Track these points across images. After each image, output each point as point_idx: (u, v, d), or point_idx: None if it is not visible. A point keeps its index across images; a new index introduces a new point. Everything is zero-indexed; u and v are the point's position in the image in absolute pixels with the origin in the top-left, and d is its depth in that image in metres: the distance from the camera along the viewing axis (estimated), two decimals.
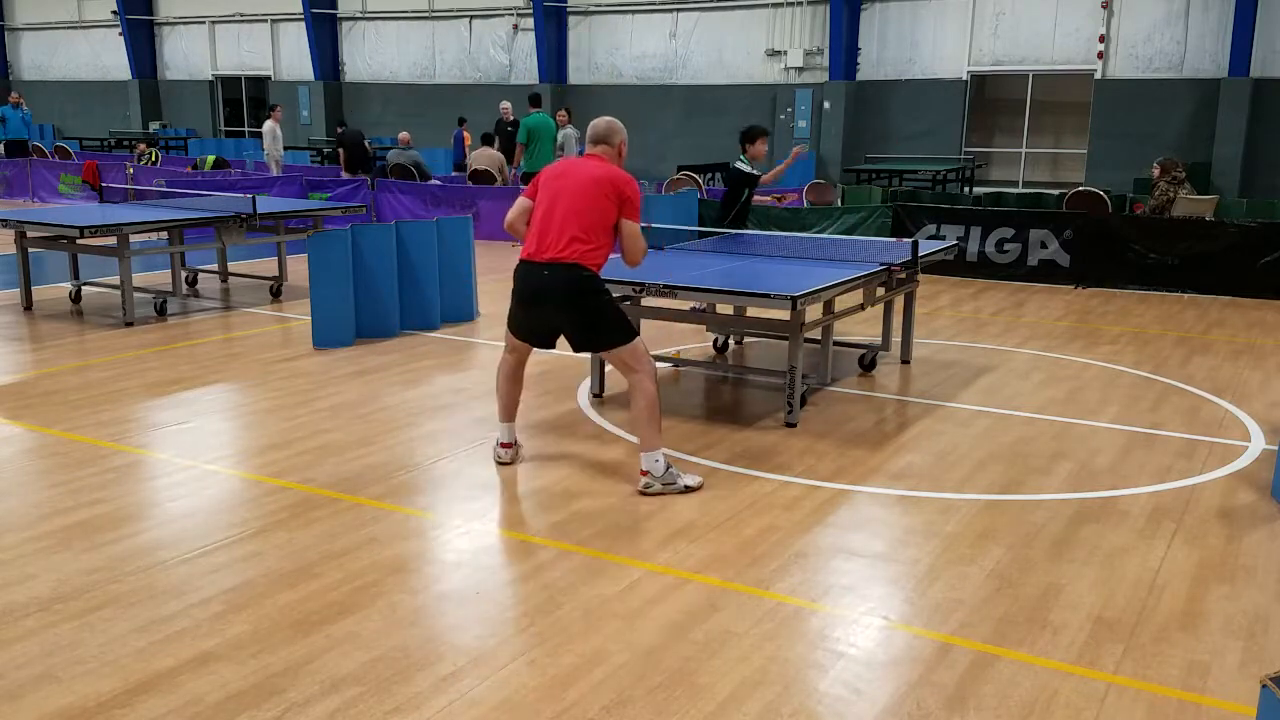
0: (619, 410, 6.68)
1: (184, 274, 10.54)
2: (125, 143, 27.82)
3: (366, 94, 29.05)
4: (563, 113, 16.42)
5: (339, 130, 19.25)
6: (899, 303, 8.03)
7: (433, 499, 5.14)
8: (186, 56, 32.52)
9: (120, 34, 32.39)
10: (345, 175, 17.71)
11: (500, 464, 5.59)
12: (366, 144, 19.13)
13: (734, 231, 8.96)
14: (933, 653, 3.72)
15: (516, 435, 5.72)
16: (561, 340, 5.44)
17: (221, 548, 4.51)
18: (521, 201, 5.42)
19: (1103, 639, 3.83)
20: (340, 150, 18.42)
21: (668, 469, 5.23)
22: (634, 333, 5.32)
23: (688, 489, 5.23)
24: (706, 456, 5.79)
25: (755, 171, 9.21)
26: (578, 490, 5.26)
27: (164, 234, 10.33)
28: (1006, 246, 12.11)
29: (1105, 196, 14.21)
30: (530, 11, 26.05)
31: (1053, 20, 21.31)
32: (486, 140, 17.56)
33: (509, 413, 5.63)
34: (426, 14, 28.21)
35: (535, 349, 5.58)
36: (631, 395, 5.27)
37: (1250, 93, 19.40)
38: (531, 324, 5.39)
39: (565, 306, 5.22)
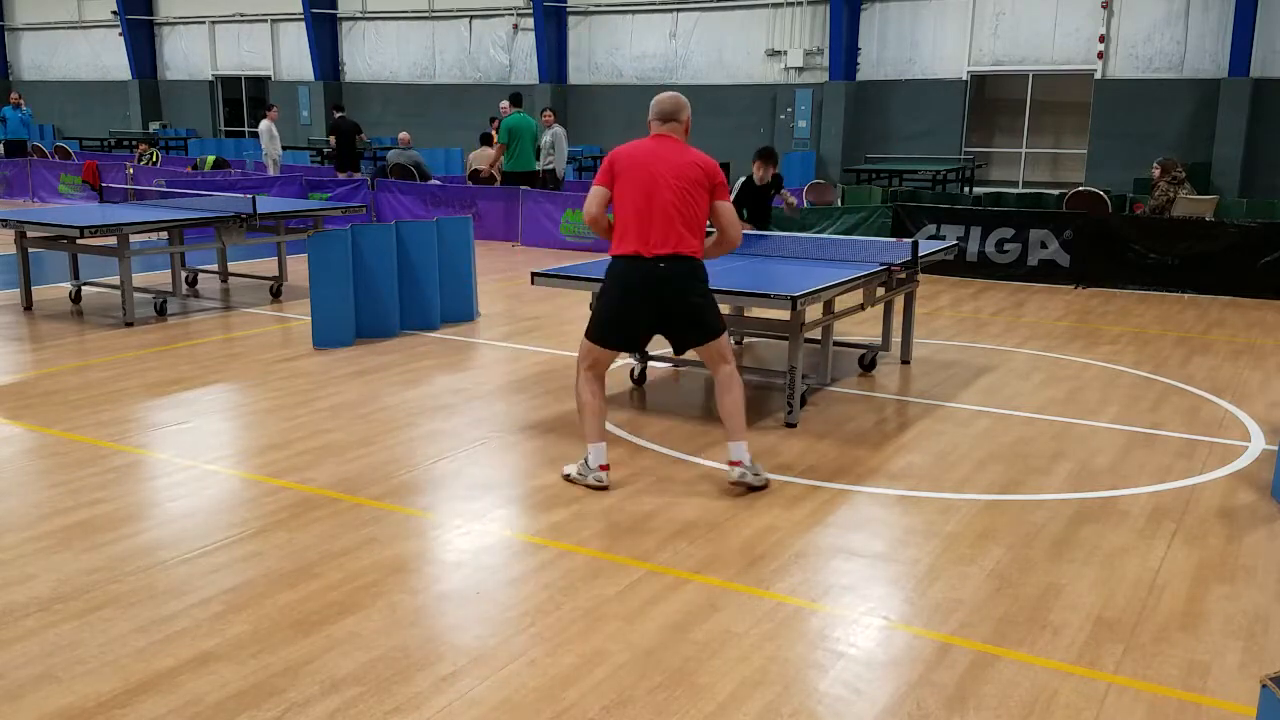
0: (619, 410, 6.68)
1: (184, 274, 10.54)
2: (125, 143, 27.82)
3: (366, 94, 29.05)
4: (548, 113, 16.43)
5: (336, 114, 19.15)
6: (899, 303, 8.03)
7: (433, 499, 5.14)
8: (186, 56, 32.52)
9: (120, 34, 32.38)
10: (339, 174, 17.72)
11: (603, 488, 5.25)
12: (360, 138, 19.09)
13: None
14: (933, 653, 3.72)
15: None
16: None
17: (221, 548, 4.51)
18: (599, 191, 5.24)
19: (1103, 639, 3.83)
20: (332, 138, 18.38)
21: (752, 461, 5.26)
22: (725, 325, 5.36)
23: (766, 484, 5.29)
24: (706, 456, 5.79)
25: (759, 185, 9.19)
26: (578, 490, 5.26)
27: (164, 234, 10.33)
28: (1006, 246, 12.11)
29: (1105, 196, 14.22)
30: (530, 11, 26.04)
31: (1053, 20, 21.30)
32: (485, 140, 17.57)
33: (600, 432, 5.35)
34: (426, 14, 28.21)
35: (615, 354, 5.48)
36: (728, 386, 5.26)
37: (1250, 93, 19.40)
38: (635, 322, 5.28)
39: (683, 300, 5.18)
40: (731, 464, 5.23)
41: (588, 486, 5.28)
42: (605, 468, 5.30)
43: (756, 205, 9.35)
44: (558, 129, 15.98)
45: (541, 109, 16.94)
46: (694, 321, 5.23)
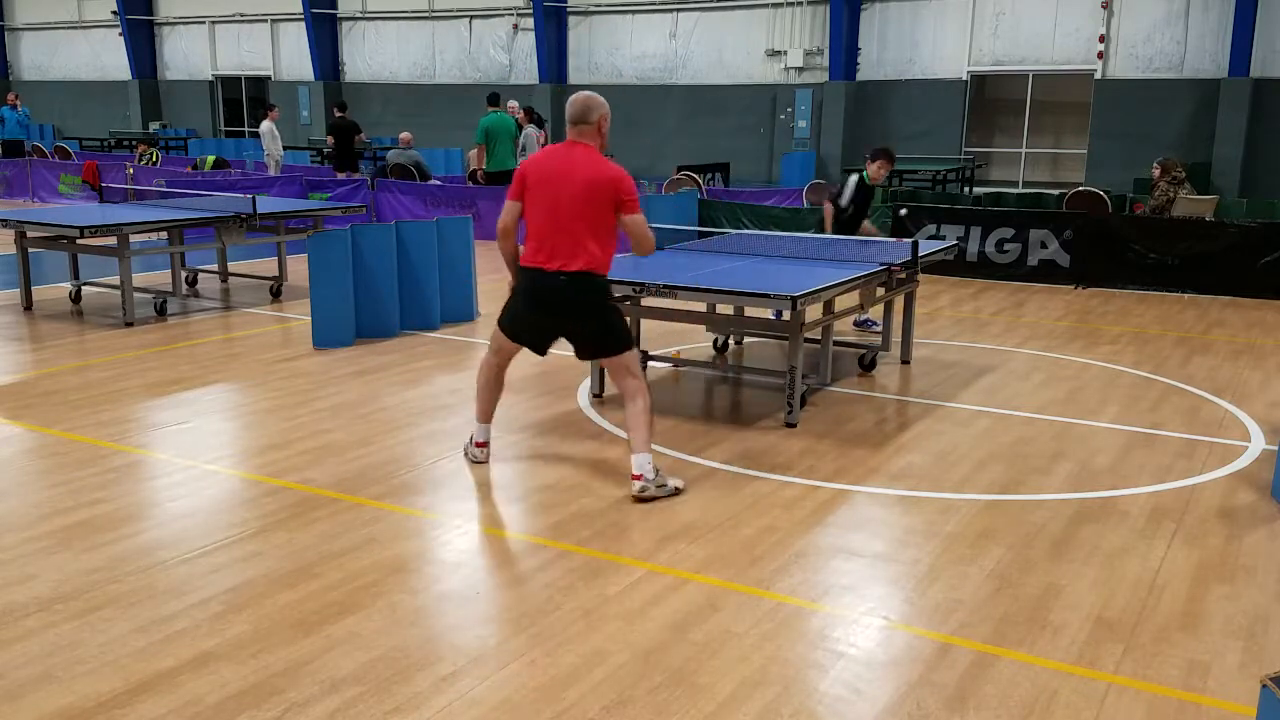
0: (619, 410, 6.67)
1: (184, 274, 10.54)
2: (125, 143, 27.81)
3: (366, 94, 29.06)
4: (521, 112, 16.53)
5: (336, 114, 19.16)
6: (899, 303, 8.03)
7: (433, 499, 5.14)
8: (186, 56, 32.53)
9: (120, 34, 32.40)
10: (338, 174, 17.72)
11: (475, 463, 5.60)
12: (360, 138, 19.06)
13: (734, 232, 8.93)
14: (933, 653, 3.72)
15: (492, 435, 5.75)
16: (559, 343, 5.45)
17: (221, 548, 4.51)
18: (509, 205, 5.27)
19: (1103, 639, 3.83)
20: (330, 138, 18.38)
21: (658, 472, 5.22)
22: (634, 340, 5.38)
23: (677, 490, 5.23)
24: (706, 456, 5.80)
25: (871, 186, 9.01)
26: (578, 490, 5.26)
27: (164, 234, 10.33)
28: (1006, 246, 12.11)
29: (1105, 196, 14.22)
30: (530, 11, 26.05)
31: (1053, 20, 21.31)
32: None
33: (488, 413, 5.65)
34: (426, 14, 28.23)
35: (519, 348, 5.53)
36: (630, 400, 5.23)
37: (1250, 93, 19.41)
38: (538, 330, 5.38)
39: (581, 316, 5.23)
40: (633, 478, 5.18)
41: (473, 461, 5.63)
42: (482, 445, 5.62)
43: (861, 207, 9.05)
44: (529, 130, 16.15)
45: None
46: (596, 335, 5.28)
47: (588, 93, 5.26)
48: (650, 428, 5.22)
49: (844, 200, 8.97)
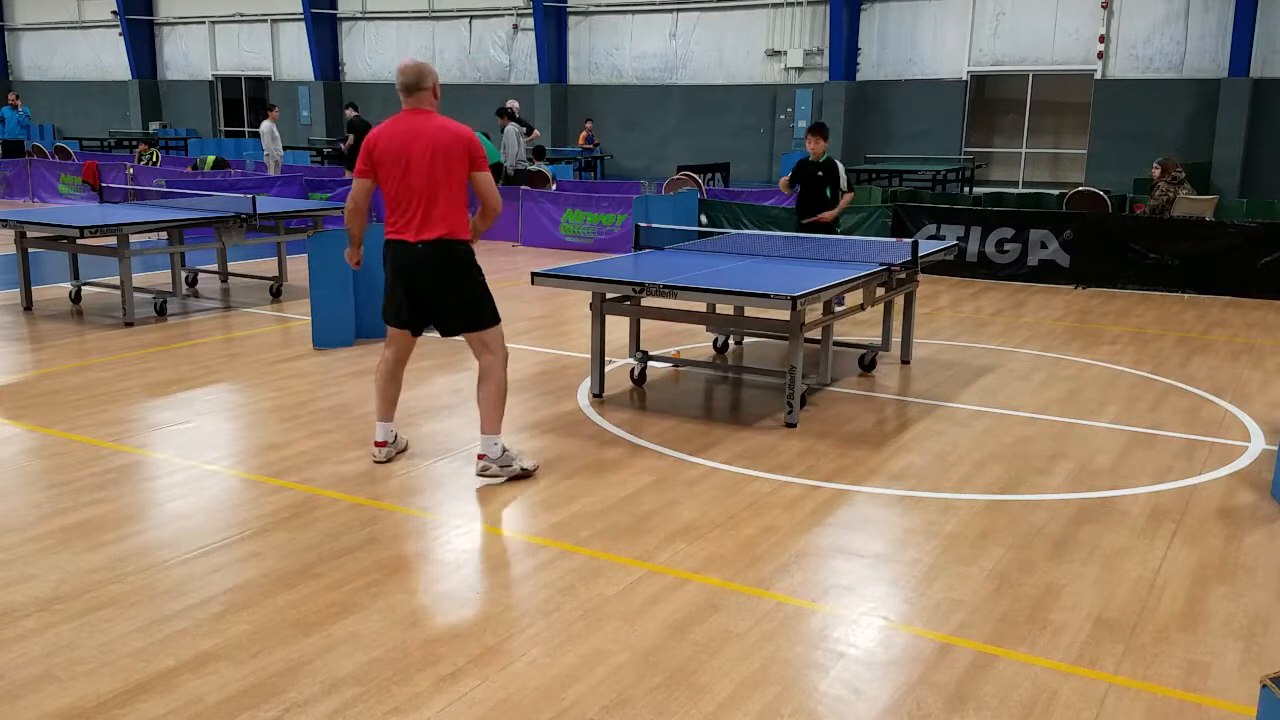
0: (619, 410, 6.68)
1: (184, 274, 10.54)
2: (125, 143, 27.82)
3: (366, 94, 29.05)
4: (513, 102, 16.74)
5: (352, 113, 19.25)
6: (899, 303, 8.04)
7: (433, 499, 5.14)
8: (186, 56, 32.53)
9: (120, 34, 32.40)
10: (348, 175, 17.76)
11: (377, 463, 5.54)
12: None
13: (734, 232, 8.94)
14: (933, 653, 3.72)
15: (396, 433, 5.67)
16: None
17: (221, 548, 4.51)
18: (359, 183, 5.20)
19: (1103, 639, 3.83)
20: (351, 136, 18.51)
21: (504, 452, 5.29)
22: (499, 316, 5.31)
23: (524, 471, 5.31)
24: (706, 456, 5.80)
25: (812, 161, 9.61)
26: (578, 490, 5.26)
27: (164, 234, 10.33)
28: (1006, 246, 12.11)
29: (1105, 197, 14.22)
30: (530, 11, 26.05)
31: (1053, 20, 21.31)
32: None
33: (387, 410, 5.55)
34: (426, 14, 28.23)
35: (414, 339, 5.46)
36: (484, 377, 5.25)
37: (1250, 93, 19.41)
38: (411, 306, 5.24)
39: (439, 284, 5.15)
40: (478, 457, 5.28)
41: (375, 461, 5.57)
42: (382, 444, 5.54)
43: (808, 184, 9.65)
44: (512, 127, 16.45)
45: (496, 110, 17.15)
46: (461, 305, 5.20)
47: (414, 60, 5.20)
48: (501, 408, 5.26)
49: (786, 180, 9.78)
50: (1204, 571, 4.43)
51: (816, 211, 9.58)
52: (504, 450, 5.30)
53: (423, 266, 5.11)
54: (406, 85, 5.13)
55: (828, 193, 9.58)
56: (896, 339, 8.11)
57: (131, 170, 17.42)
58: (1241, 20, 19.12)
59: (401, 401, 6.78)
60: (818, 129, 9.57)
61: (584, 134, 24.72)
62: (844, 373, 7.71)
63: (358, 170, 5.19)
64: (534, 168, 16.59)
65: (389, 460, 5.56)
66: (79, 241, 8.92)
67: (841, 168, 9.65)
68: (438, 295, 5.18)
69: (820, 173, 9.56)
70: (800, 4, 23.58)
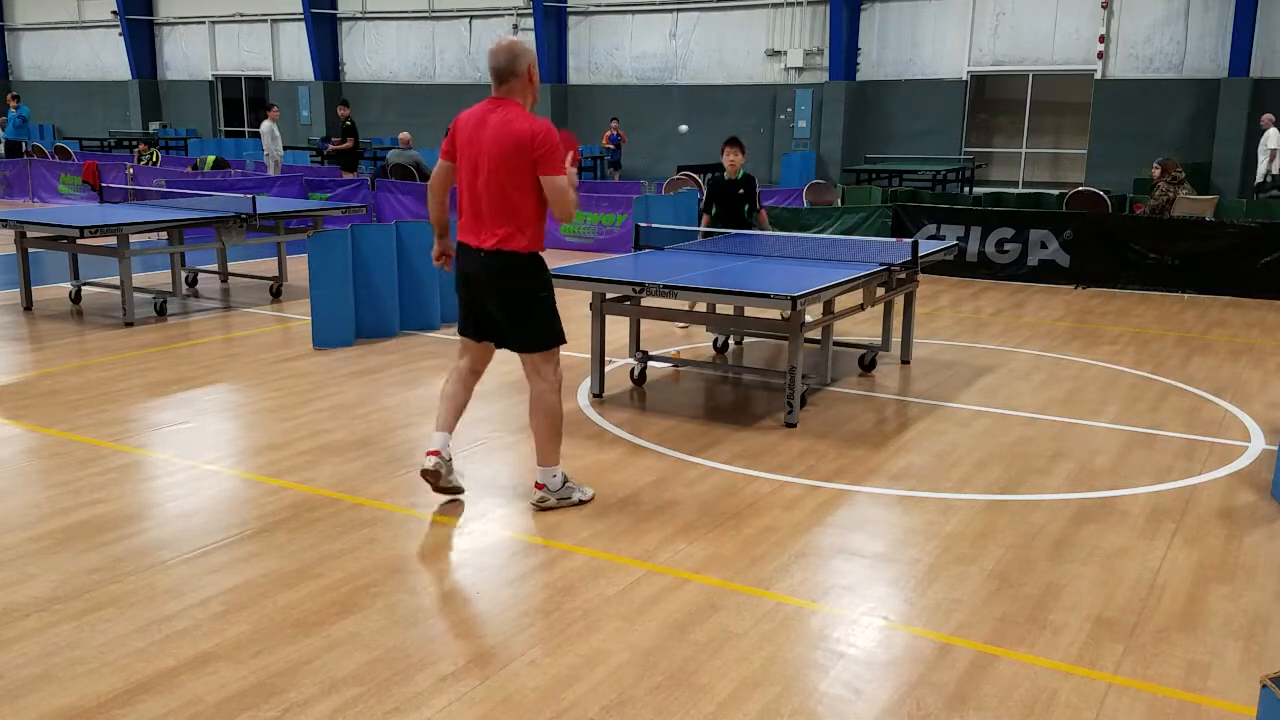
0: (619, 410, 6.68)
1: (184, 274, 10.54)
2: (125, 143, 27.82)
3: (366, 94, 29.06)
4: None
5: (348, 114, 19.28)
6: (899, 303, 8.04)
7: (433, 499, 5.13)
8: (186, 56, 32.53)
9: (120, 34, 32.40)
10: (348, 175, 17.79)
11: (424, 471, 4.91)
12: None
13: (736, 232, 8.92)
14: (933, 653, 3.72)
15: (451, 452, 5.07)
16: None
17: (221, 548, 4.51)
18: (440, 165, 4.82)
19: (1103, 639, 3.83)
20: (351, 139, 18.55)
21: (565, 483, 5.00)
22: (563, 338, 4.88)
23: (582, 502, 5.02)
24: (706, 456, 5.80)
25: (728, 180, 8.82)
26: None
27: (164, 234, 10.33)
28: (1006, 246, 12.11)
29: (1105, 197, 14.22)
30: (530, 11, 26.05)
31: (1053, 20, 21.31)
32: None
33: (448, 418, 5.00)
34: (426, 14, 28.23)
35: (491, 348, 5.04)
36: (534, 406, 4.87)
37: (1250, 93, 19.41)
38: (471, 312, 4.91)
39: (498, 297, 4.74)
40: (536, 486, 4.99)
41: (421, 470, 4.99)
42: (432, 453, 4.92)
43: (725, 204, 8.78)
44: None
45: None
46: (507, 322, 4.78)
47: (509, 40, 4.65)
48: (557, 438, 4.91)
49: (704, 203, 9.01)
50: (1204, 571, 4.43)
51: None
52: (564, 481, 4.99)
53: (482, 275, 4.72)
54: (497, 70, 4.59)
55: (745, 211, 8.76)
56: (896, 339, 8.11)
57: (131, 170, 17.42)
58: (1241, 20, 19.13)
59: (401, 401, 6.80)
60: (734, 141, 8.66)
61: (608, 133, 24.47)
62: (844, 373, 7.71)
63: (443, 150, 4.79)
64: None
65: (435, 472, 4.88)
66: (79, 241, 8.93)
67: (756, 184, 8.89)
68: (494, 306, 4.77)
69: (741, 190, 8.71)
70: (800, 4, 23.58)
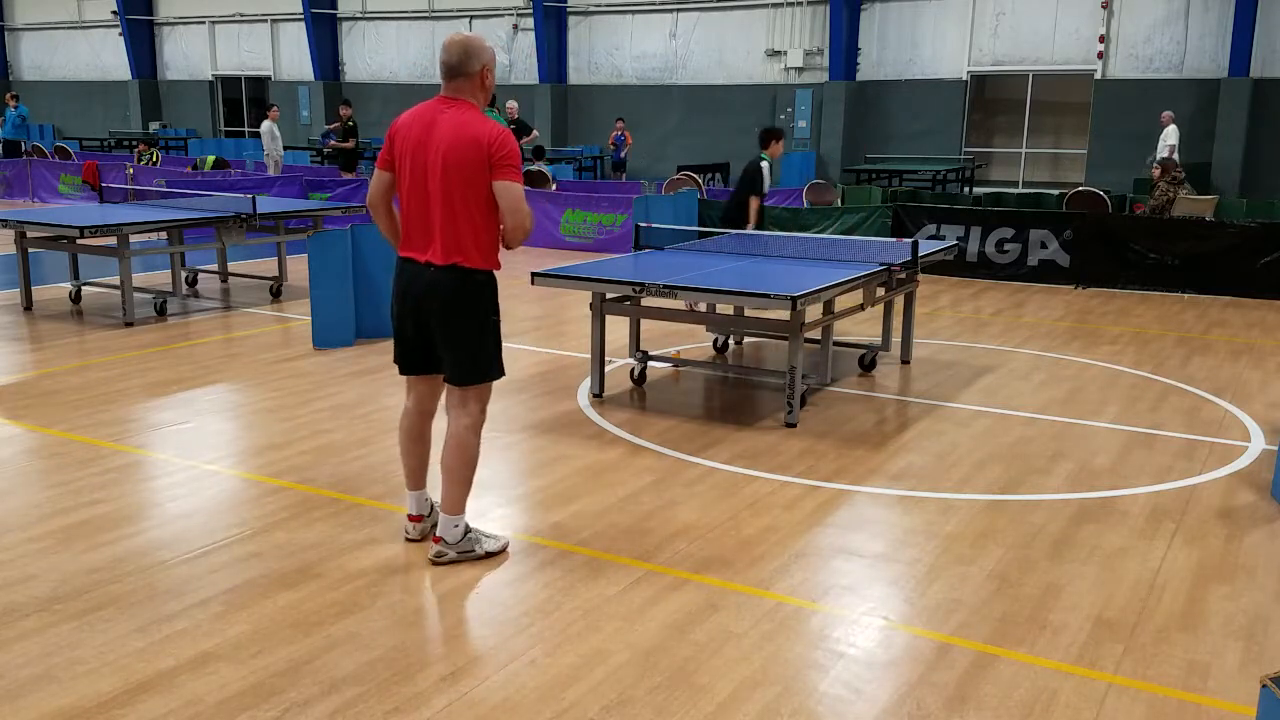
0: (619, 410, 6.68)
1: (184, 274, 10.54)
2: (125, 143, 27.81)
3: (366, 94, 29.04)
4: (512, 103, 16.65)
5: (349, 114, 19.28)
6: (899, 303, 8.04)
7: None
8: (186, 56, 32.51)
9: (120, 34, 32.39)
10: (344, 174, 17.80)
11: (409, 540, 4.57)
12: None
13: (736, 231, 8.94)
14: (933, 653, 3.72)
15: (432, 501, 4.65)
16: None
17: (221, 548, 4.51)
18: (378, 176, 4.29)
19: (1103, 639, 3.83)
20: (352, 139, 18.56)
21: (466, 534, 4.40)
22: (503, 372, 4.40)
23: (489, 554, 4.41)
24: (706, 456, 5.80)
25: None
26: (578, 490, 5.26)
27: (164, 234, 10.33)
28: (1006, 246, 12.11)
29: (1105, 197, 14.22)
30: (530, 11, 26.04)
31: (1053, 20, 21.31)
32: None
33: (416, 478, 4.56)
34: (426, 14, 28.22)
35: (439, 382, 4.48)
36: (450, 443, 4.32)
37: (1250, 93, 19.40)
38: (407, 338, 4.37)
39: (442, 316, 4.22)
40: (433, 539, 4.41)
41: (406, 538, 4.60)
42: (416, 519, 4.58)
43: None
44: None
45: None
46: (447, 347, 4.26)
47: (464, 35, 4.19)
48: (469, 482, 4.36)
49: (766, 188, 9.61)
50: (1204, 571, 4.43)
51: None
52: (466, 532, 4.39)
53: (432, 293, 4.19)
54: (448, 65, 4.13)
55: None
56: (896, 339, 8.11)
57: (131, 170, 17.42)
58: (1241, 20, 19.11)
59: (400, 402, 6.75)
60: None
61: (614, 133, 24.31)
62: (844, 373, 7.71)
63: (379, 160, 4.30)
64: (534, 168, 16.59)
65: (422, 539, 4.56)
66: (79, 241, 8.93)
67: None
68: (440, 328, 4.24)
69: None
70: (800, 4, 23.58)
